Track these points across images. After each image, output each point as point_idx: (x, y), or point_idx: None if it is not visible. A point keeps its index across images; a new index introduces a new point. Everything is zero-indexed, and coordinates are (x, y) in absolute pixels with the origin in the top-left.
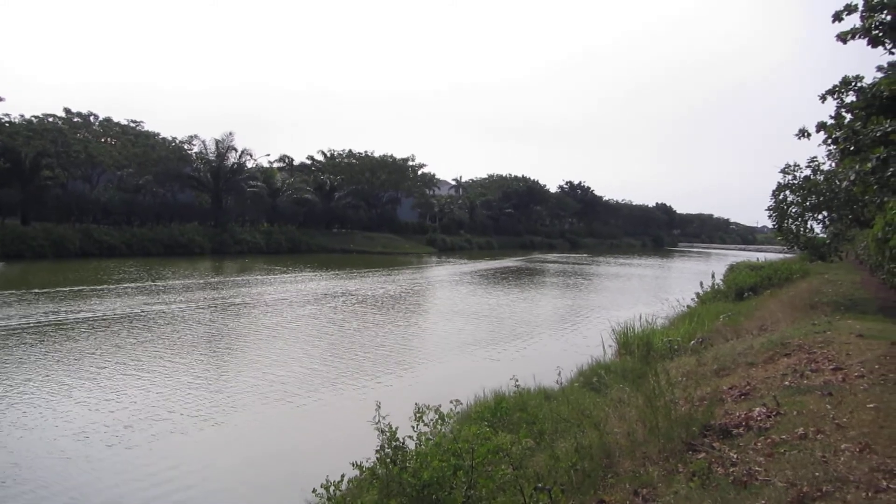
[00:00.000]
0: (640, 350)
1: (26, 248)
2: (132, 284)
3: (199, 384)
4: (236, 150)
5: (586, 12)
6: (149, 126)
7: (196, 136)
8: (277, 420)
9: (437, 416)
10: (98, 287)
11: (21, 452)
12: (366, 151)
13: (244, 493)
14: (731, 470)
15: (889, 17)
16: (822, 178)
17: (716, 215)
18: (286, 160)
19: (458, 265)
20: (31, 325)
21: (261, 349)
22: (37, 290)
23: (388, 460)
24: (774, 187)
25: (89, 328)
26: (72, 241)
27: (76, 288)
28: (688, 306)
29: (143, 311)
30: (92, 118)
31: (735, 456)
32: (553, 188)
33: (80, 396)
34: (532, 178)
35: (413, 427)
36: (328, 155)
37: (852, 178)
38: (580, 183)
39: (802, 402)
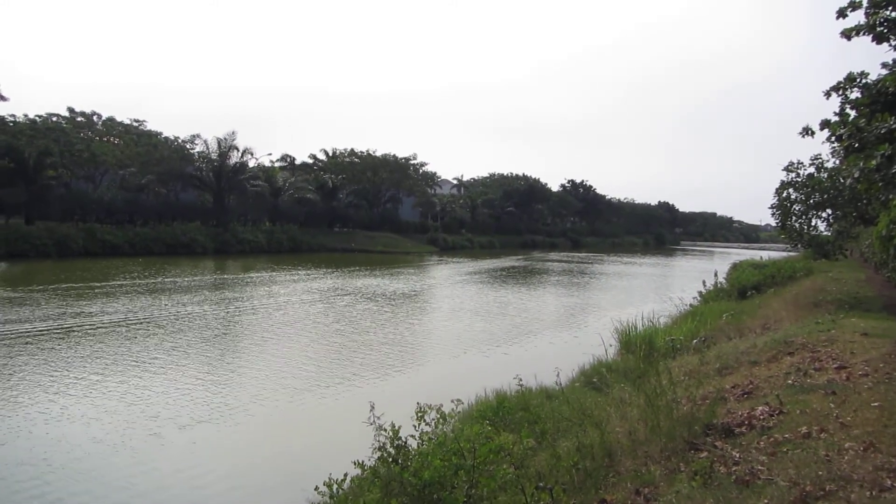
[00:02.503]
0: (642, 349)
1: (30, 247)
2: (141, 282)
3: (208, 383)
4: (238, 150)
5: (587, 11)
6: (151, 125)
7: (198, 136)
8: (284, 417)
9: (438, 416)
10: (107, 285)
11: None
12: (368, 150)
13: (248, 490)
14: (733, 469)
15: (894, 14)
16: (825, 175)
17: (719, 213)
18: (288, 159)
19: (460, 264)
20: (54, 327)
21: (270, 347)
22: (55, 289)
23: (390, 459)
24: (778, 185)
25: (96, 329)
26: (75, 240)
27: (89, 288)
28: (690, 305)
29: (155, 309)
30: (95, 118)
31: (737, 455)
32: (555, 187)
33: (80, 395)
34: (533, 177)
35: (415, 426)
36: (330, 154)
37: (856, 175)
38: (582, 182)
39: (806, 401)
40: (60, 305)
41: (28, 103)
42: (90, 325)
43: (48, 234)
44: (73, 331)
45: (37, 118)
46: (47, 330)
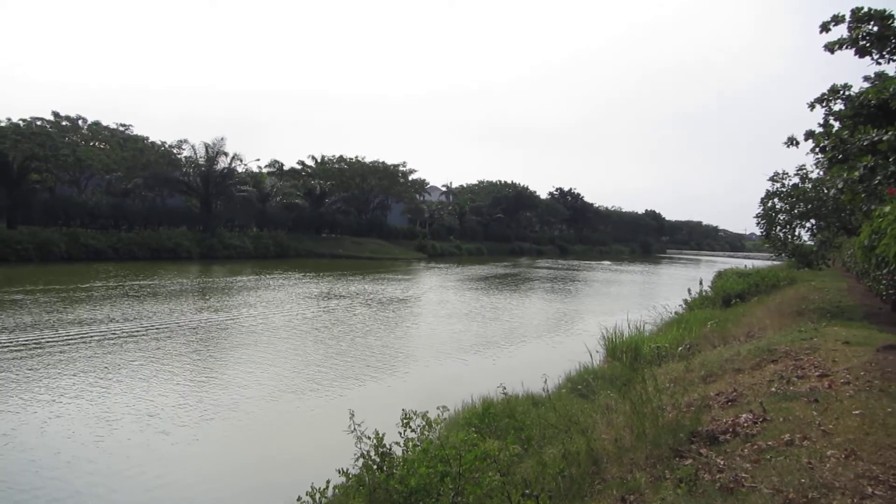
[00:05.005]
0: (627, 356)
1: (11, 251)
2: (125, 287)
3: (193, 389)
4: (226, 155)
5: (577, 18)
6: (138, 129)
7: (186, 141)
8: (270, 423)
9: (424, 423)
10: (87, 290)
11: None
12: (356, 157)
13: (230, 499)
14: (717, 476)
15: (876, 28)
16: (810, 186)
17: (704, 222)
18: (276, 165)
19: (449, 271)
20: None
21: (258, 353)
22: (42, 291)
23: (375, 467)
24: (763, 195)
25: (78, 337)
26: (58, 244)
27: (72, 293)
28: (676, 312)
29: (143, 316)
30: (80, 122)
31: (722, 462)
32: (543, 194)
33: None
34: (522, 185)
35: (400, 433)
36: (319, 160)
37: (840, 186)
38: (570, 189)
39: (789, 409)
40: (49, 311)
41: (13, 105)
42: (68, 333)
43: (30, 238)
44: (50, 341)
45: (21, 122)
46: (42, 338)
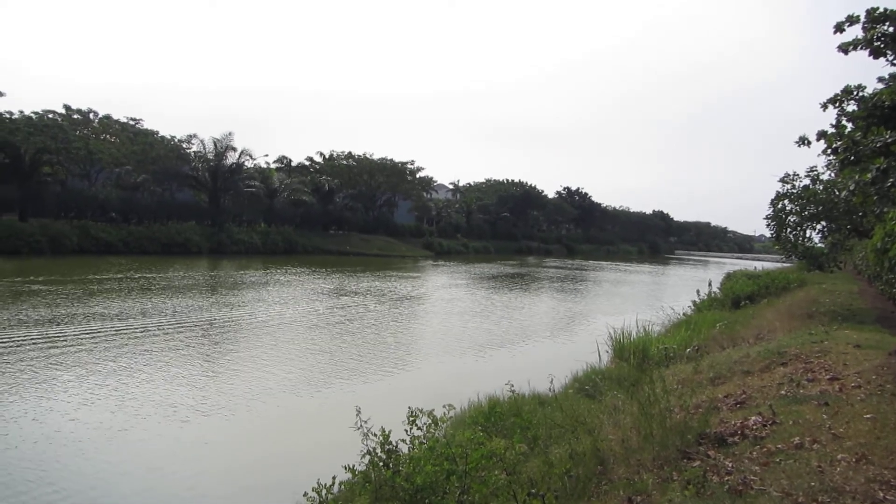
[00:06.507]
0: (635, 357)
1: (23, 244)
2: (136, 281)
3: (199, 384)
4: (235, 150)
5: (585, 17)
6: (148, 125)
7: (195, 136)
8: (277, 419)
9: (430, 420)
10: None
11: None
12: (364, 154)
13: (237, 494)
14: (726, 478)
15: (891, 29)
16: (821, 187)
17: (713, 223)
18: (284, 161)
19: (456, 269)
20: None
21: (266, 349)
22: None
23: (381, 464)
24: (773, 196)
25: (77, 334)
26: (69, 237)
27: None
28: (684, 314)
29: (151, 311)
30: (91, 115)
31: (730, 464)
32: (551, 194)
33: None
34: (529, 184)
35: (406, 431)
36: (327, 157)
37: (852, 188)
38: (578, 189)
39: (798, 412)
40: (68, 304)
41: (24, 100)
42: (88, 326)
43: (42, 230)
44: (72, 334)
45: (33, 115)
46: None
